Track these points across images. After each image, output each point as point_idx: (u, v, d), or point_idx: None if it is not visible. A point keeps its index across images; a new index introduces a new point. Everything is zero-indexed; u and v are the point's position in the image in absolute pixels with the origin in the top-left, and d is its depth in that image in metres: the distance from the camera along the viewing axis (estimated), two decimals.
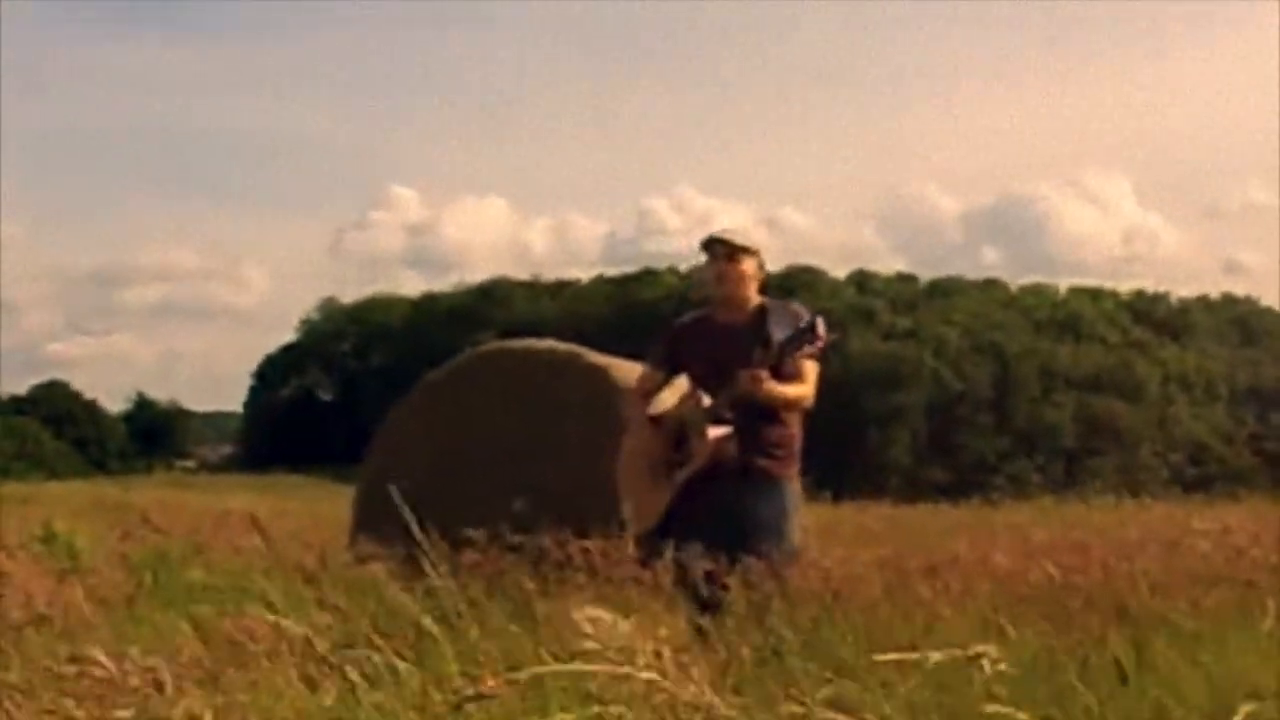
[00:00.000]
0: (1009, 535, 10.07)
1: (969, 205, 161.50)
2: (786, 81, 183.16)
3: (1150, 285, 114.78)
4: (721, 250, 6.79)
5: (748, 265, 6.82)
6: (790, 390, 6.64)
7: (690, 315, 7.14)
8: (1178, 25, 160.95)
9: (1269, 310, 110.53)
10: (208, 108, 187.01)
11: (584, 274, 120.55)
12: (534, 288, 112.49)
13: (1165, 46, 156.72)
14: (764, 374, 6.47)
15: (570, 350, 10.33)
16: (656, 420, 6.86)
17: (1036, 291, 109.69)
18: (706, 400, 6.64)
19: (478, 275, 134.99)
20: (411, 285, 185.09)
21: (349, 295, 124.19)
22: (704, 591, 6.14)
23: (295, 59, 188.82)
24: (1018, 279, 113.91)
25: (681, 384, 6.80)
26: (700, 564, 6.22)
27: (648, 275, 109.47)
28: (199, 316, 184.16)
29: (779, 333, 6.57)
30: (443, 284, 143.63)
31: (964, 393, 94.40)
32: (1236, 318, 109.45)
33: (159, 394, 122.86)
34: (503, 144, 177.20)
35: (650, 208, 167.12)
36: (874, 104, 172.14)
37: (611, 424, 8.12)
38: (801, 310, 6.78)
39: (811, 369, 6.71)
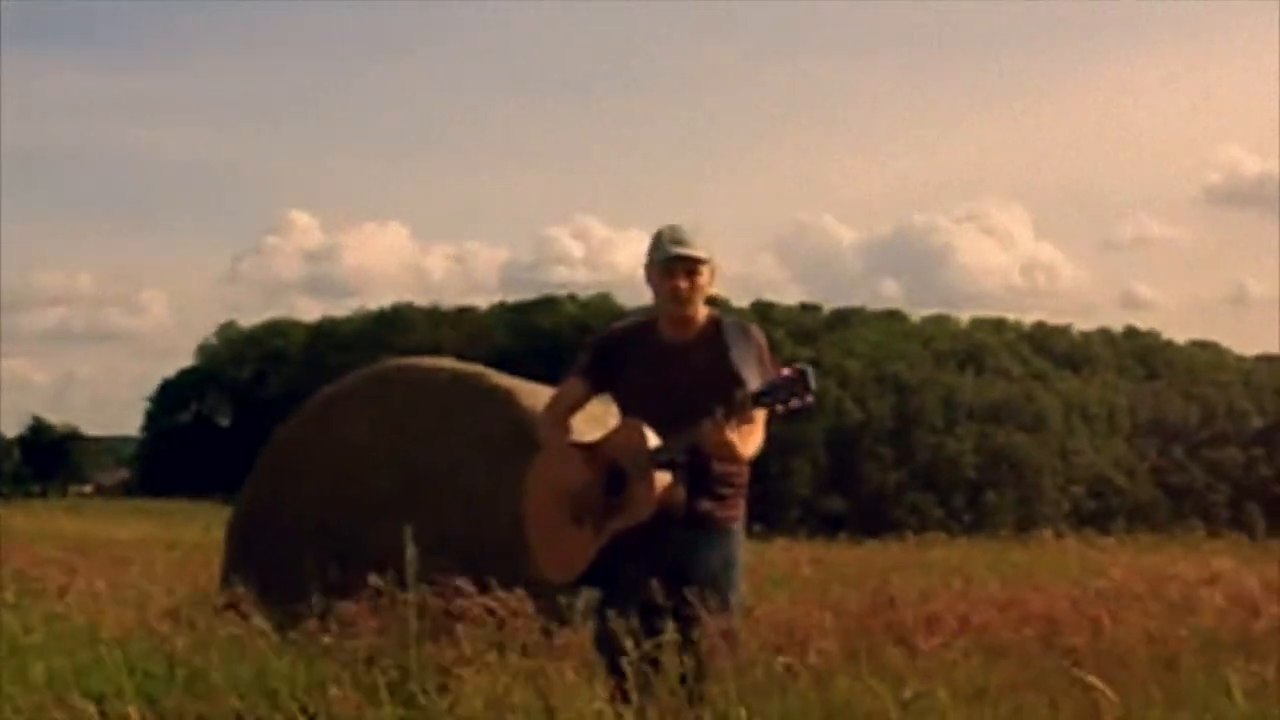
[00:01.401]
0: (959, 580, 9.10)
1: (868, 236, 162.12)
2: (687, 113, 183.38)
3: (1048, 317, 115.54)
4: (682, 266, 5.74)
5: (705, 277, 5.79)
6: (750, 447, 5.63)
7: (627, 322, 6.06)
8: (1070, 61, 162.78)
9: (1170, 344, 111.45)
10: (105, 132, 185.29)
11: (483, 301, 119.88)
12: (434, 314, 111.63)
13: (1061, 80, 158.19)
14: (730, 428, 5.44)
15: (474, 371, 9.22)
16: (583, 451, 5.80)
17: (938, 322, 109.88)
18: (653, 439, 5.60)
19: (377, 302, 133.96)
20: (310, 311, 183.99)
21: (248, 321, 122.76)
22: (631, 659, 5.15)
23: (193, 84, 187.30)
24: (917, 310, 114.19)
25: (633, 425, 5.72)
26: (629, 625, 5.26)
27: (548, 303, 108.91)
28: (96, 341, 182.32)
29: (747, 371, 5.57)
30: (342, 310, 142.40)
31: (865, 424, 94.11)
32: (1138, 350, 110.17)
33: (55, 418, 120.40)
34: (402, 170, 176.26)
35: (550, 236, 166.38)
36: (774, 135, 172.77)
37: (518, 455, 7.03)
38: (757, 334, 5.81)
39: (761, 413, 5.65)
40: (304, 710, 4.46)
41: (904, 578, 9.41)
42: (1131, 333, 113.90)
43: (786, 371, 5.38)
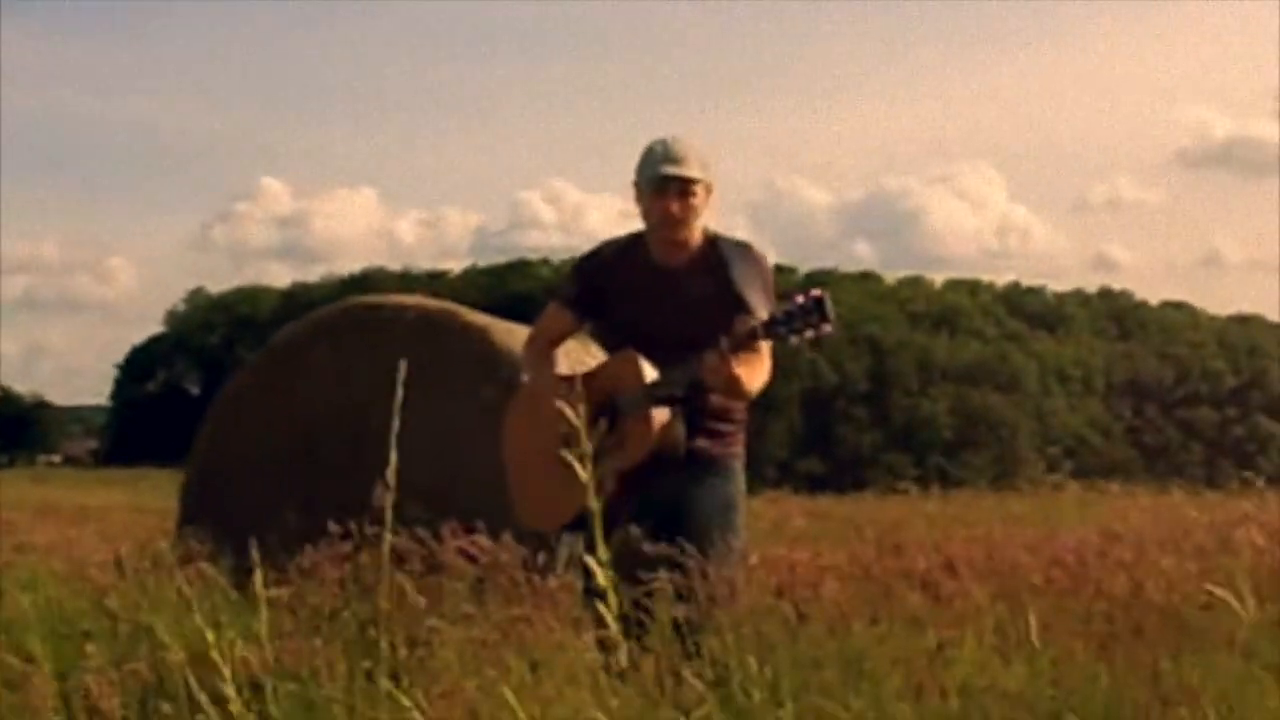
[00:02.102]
0: (967, 528, 8.57)
1: (841, 199, 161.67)
2: (658, 76, 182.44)
3: (1022, 279, 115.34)
4: (674, 187, 5.15)
5: (701, 197, 5.21)
6: (757, 381, 5.07)
7: (616, 242, 5.44)
8: (1045, 21, 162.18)
9: (1144, 304, 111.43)
10: (72, 99, 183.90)
11: (455, 266, 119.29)
12: (406, 278, 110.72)
13: (1033, 42, 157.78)
14: (733, 361, 4.89)
15: (444, 308, 8.64)
16: (572, 385, 5.27)
17: (912, 284, 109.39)
18: (650, 373, 5.07)
19: (348, 267, 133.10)
20: (281, 277, 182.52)
21: (217, 287, 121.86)
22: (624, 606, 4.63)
23: (162, 50, 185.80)
24: (891, 272, 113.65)
25: (628, 357, 5.17)
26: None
27: (521, 266, 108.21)
28: (63, 309, 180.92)
29: (752, 296, 5.06)
30: (313, 276, 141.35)
31: (840, 385, 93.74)
32: (1112, 311, 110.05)
33: (22, 388, 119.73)
34: (373, 136, 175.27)
35: (522, 200, 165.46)
36: (746, 98, 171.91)
37: (494, 396, 6.46)
38: (759, 256, 5.26)
39: (767, 345, 5.10)
40: (247, 665, 3.91)
41: (909, 527, 8.86)
42: (1105, 293, 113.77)
43: (800, 299, 4.81)
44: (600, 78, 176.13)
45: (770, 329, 4.85)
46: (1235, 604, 3.90)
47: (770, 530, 9.88)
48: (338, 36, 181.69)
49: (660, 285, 5.21)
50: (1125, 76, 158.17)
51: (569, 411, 5.27)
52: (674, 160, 5.13)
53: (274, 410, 8.61)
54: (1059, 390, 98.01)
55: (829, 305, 4.76)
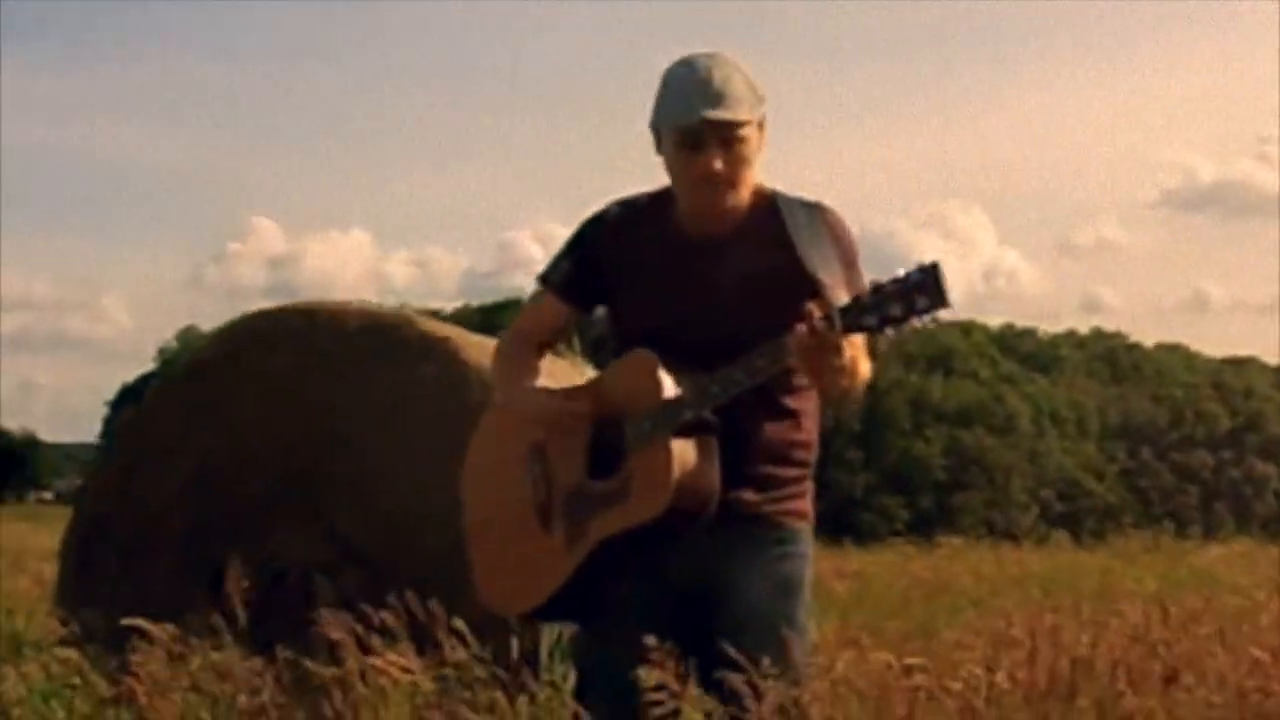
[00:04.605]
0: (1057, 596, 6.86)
1: None
2: (642, 115, 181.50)
3: (1013, 322, 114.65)
4: (715, 135, 3.47)
5: (754, 140, 3.54)
6: (864, 372, 3.52)
7: (631, 203, 3.74)
8: (1029, 63, 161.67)
9: (1137, 346, 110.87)
10: (66, 136, 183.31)
11: (446, 306, 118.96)
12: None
13: (1019, 87, 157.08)
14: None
15: (398, 316, 6.84)
16: (563, 405, 3.58)
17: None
18: (670, 387, 3.43)
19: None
20: None
21: (210, 325, 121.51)
22: None
23: (155, 88, 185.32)
24: None
25: (641, 360, 3.48)
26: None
27: (515, 305, 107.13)
28: (56, 347, 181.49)
29: (825, 273, 3.41)
30: None
31: (834, 428, 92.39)
32: (1106, 353, 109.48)
33: (13, 425, 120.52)
34: (365, 177, 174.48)
35: (511, 240, 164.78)
36: None
37: (458, 425, 4.65)
38: (835, 220, 3.61)
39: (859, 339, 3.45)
40: None
41: (980, 595, 7.15)
42: (1098, 335, 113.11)
43: (902, 272, 3.21)
44: (587, 118, 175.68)
45: (856, 315, 3.22)
46: None
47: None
48: (328, 77, 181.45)
49: (694, 263, 3.58)
50: (1110, 119, 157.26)
51: (553, 441, 3.59)
52: (713, 98, 3.44)
53: (182, 446, 6.82)
54: (1053, 432, 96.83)
55: (943, 278, 3.18)
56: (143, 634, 4.51)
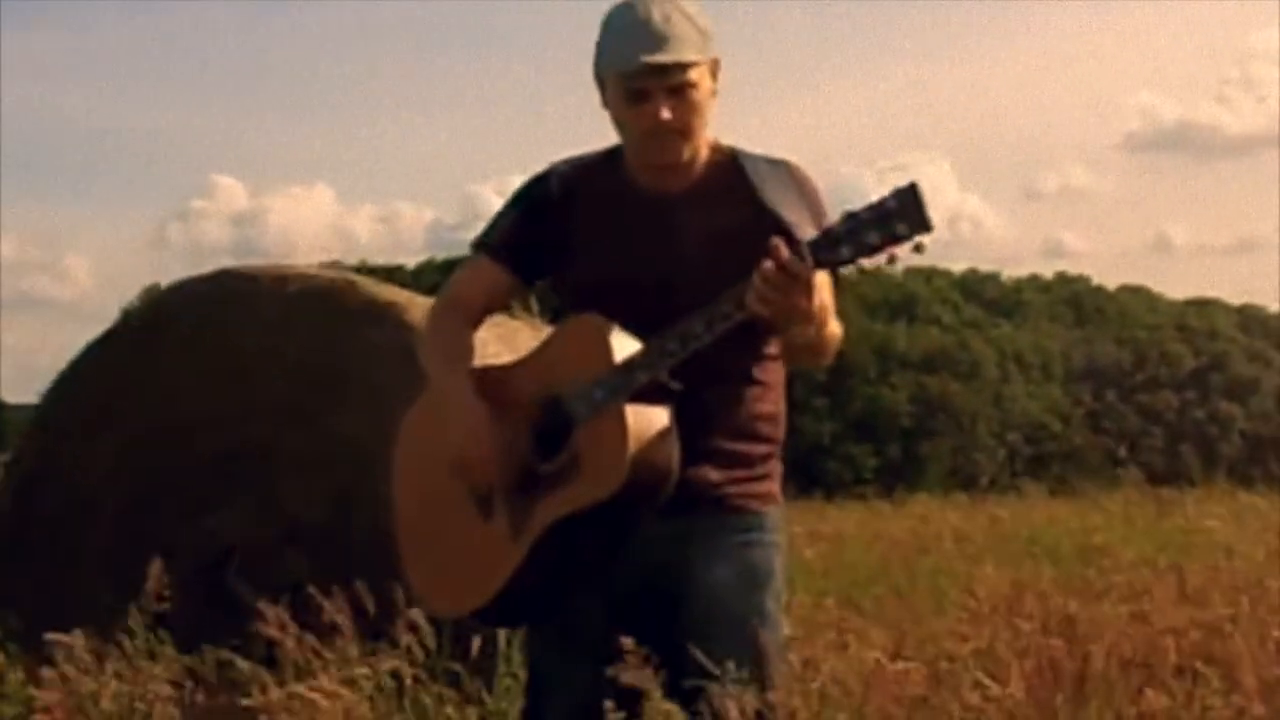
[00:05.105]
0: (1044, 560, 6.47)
1: None
2: None
3: (978, 266, 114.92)
4: (660, 82, 3.12)
5: (705, 86, 3.20)
6: (834, 327, 3.26)
7: (579, 161, 3.36)
8: (991, 12, 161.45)
9: (1101, 289, 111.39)
10: (25, 96, 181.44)
11: (411, 261, 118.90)
12: (361, 273, 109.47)
13: (980, 29, 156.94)
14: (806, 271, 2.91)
15: (344, 279, 6.38)
16: (496, 380, 3.16)
17: (870, 272, 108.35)
18: (624, 347, 3.06)
19: (304, 263, 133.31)
20: None
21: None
22: None
23: (114, 46, 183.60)
24: None
25: (588, 324, 3.08)
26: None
27: None
28: (19, 308, 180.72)
29: (793, 216, 3.11)
30: None
31: (798, 376, 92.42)
32: (1069, 297, 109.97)
33: None
34: (328, 132, 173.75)
35: (477, 193, 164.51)
36: None
37: (407, 394, 4.22)
38: (801, 175, 3.29)
39: (827, 283, 3.15)
40: None
41: (967, 557, 6.73)
42: (1062, 279, 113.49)
43: (874, 199, 2.85)
44: (553, 68, 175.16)
45: (829, 247, 2.90)
46: None
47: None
48: (290, 33, 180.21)
49: (652, 223, 3.22)
50: (1071, 63, 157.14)
51: (481, 424, 3.19)
52: (655, 40, 3.10)
53: (105, 424, 6.34)
54: (1018, 377, 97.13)
55: (923, 199, 2.82)
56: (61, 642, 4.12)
